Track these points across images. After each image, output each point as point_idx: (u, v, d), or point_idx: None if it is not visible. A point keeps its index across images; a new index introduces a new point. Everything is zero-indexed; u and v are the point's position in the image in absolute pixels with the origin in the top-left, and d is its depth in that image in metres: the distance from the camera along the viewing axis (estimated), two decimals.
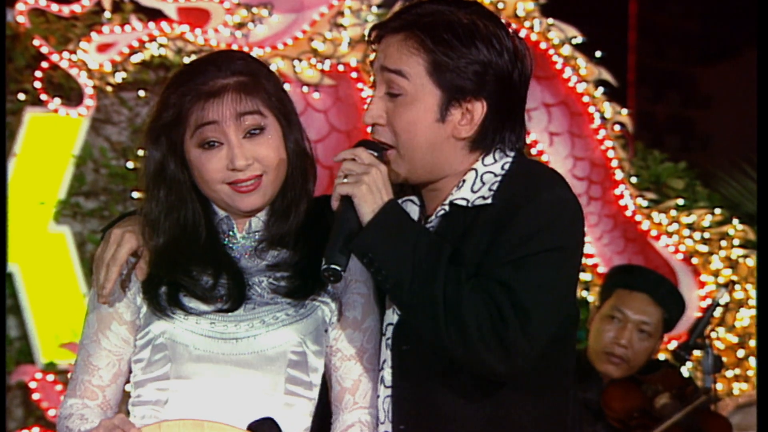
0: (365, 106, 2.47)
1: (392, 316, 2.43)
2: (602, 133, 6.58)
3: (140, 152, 5.63)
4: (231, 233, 2.46)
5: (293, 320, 2.40)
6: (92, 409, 2.41)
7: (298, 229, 2.45)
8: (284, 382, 2.38)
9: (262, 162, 2.39)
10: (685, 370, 5.27)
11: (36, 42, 5.65)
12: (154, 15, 5.85)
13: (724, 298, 4.89)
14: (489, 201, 2.36)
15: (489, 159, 2.42)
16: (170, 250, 2.40)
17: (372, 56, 2.45)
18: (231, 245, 2.46)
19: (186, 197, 2.43)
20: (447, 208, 2.42)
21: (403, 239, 2.28)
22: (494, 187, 2.38)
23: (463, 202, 2.39)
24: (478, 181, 2.40)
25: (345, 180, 2.32)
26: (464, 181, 2.41)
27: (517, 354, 2.26)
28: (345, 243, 2.29)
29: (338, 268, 2.27)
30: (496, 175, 2.40)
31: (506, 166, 2.41)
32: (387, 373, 2.43)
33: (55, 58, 5.65)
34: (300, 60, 5.95)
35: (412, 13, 2.39)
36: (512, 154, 2.43)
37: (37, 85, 5.65)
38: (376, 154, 2.36)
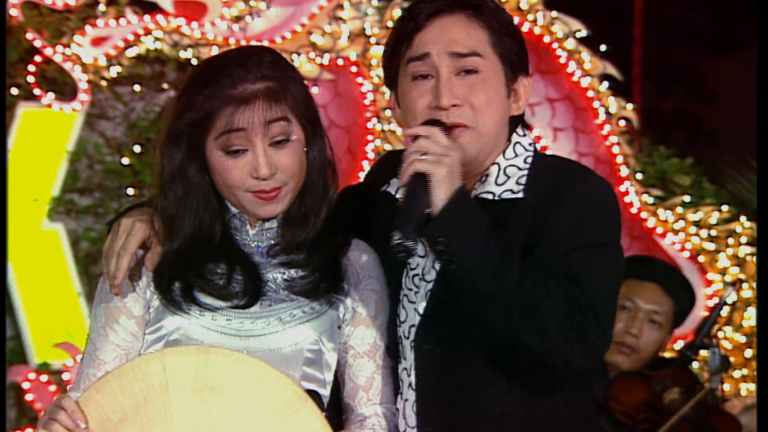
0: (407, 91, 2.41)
1: (414, 318, 2.40)
2: (607, 128, 6.58)
3: (136, 148, 5.70)
4: (243, 230, 2.43)
5: (310, 318, 2.38)
6: None
7: (316, 234, 2.43)
8: (299, 380, 2.34)
9: (285, 171, 2.35)
10: (692, 370, 5.22)
11: (29, 35, 5.60)
12: (150, 8, 5.82)
13: (732, 297, 4.89)
14: (520, 195, 2.36)
15: (510, 152, 2.42)
16: (185, 251, 2.38)
17: (418, 38, 2.39)
18: (242, 241, 2.43)
19: (204, 199, 2.40)
20: None
21: (478, 227, 2.22)
22: (522, 181, 2.38)
23: (489, 196, 2.38)
24: (501, 174, 2.40)
25: (423, 157, 2.24)
26: (487, 175, 2.41)
27: (593, 347, 2.25)
28: (419, 223, 2.22)
29: (413, 246, 2.19)
30: (520, 169, 2.41)
31: (529, 160, 2.43)
32: (413, 376, 2.39)
33: (48, 51, 5.60)
34: (298, 54, 5.92)
35: None
36: (531, 148, 2.45)
37: (31, 79, 5.60)
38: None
